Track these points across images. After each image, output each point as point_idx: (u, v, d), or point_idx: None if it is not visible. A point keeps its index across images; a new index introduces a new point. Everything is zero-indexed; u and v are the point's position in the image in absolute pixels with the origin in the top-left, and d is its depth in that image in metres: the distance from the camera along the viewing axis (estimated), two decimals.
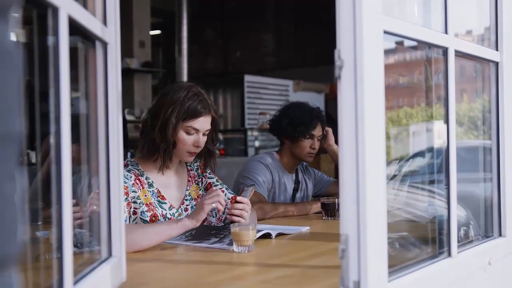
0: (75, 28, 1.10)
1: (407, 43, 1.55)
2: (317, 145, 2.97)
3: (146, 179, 2.20)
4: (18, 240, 0.55)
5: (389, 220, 1.23)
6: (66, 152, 1.00)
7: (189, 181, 2.35)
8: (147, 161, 2.23)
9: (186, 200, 2.31)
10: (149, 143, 2.18)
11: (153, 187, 2.20)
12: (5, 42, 0.52)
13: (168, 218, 2.19)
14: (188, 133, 2.18)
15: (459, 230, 1.60)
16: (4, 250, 0.53)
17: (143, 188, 2.16)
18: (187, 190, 2.32)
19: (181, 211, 2.27)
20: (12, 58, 0.52)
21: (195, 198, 2.33)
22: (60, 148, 0.99)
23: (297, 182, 3.10)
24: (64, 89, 1.00)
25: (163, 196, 2.21)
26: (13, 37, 0.54)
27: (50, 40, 1.00)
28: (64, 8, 1.00)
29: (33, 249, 1.33)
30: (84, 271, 1.19)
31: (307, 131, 2.93)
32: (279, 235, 2.14)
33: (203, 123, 2.19)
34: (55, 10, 0.98)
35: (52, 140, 1.00)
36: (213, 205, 1.97)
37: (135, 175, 2.15)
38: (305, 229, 2.31)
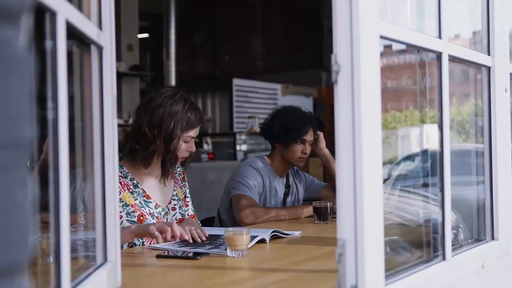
0: (71, 32, 1.09)
1: (395, 47, 1.56)
2: (308, 150, 2.97)
3: (130, 180, 2.25)
4: (29, 246, 0.55)
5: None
6: (64, 157, 0.99)
7: (176, 182, 2.42)
8: (135, 163, 2.26)
9: (174, 199, 2.38)
10: (150, 154, 2.22)
11: (139, 187, 2.25)
12: (16, 48, 0.51)
13: (156, 216, 2.26)
14: (186, 141, 2.26)
15: None
16: (17, 257, 0.53)
17: (124, 190, 2.21)
18: (174, 190, 2.40)
19: (168, 210, 2.34)
20: (23, 63, 0.52)
21: (182, 199, 2.42)
22: (58, 153, 0.98)
23: (287, 186, 3.10)
24: (61, 93, 0.99)
25: (148, 195, 2.27)
26: (24, 43, 0.53)
27: (48, 44, 0.99)
28: (62, 12, 0.99)
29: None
30: (80, 277, 1.18)
31: (299, 136, 2.93)
32: (273, 238, 2.14)
33: (198, 130, 2.31)
34: (53, 14, 0.97)
35: (48, 144, 0.99)
36: (156, 233, 1.91)
37: None
38: (297, 233, 2.31)
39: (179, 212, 2.37)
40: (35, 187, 0.61)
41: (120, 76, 7.51)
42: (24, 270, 0.55)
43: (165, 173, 2.28)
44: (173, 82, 8.94)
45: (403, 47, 1.56)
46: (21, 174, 0.53)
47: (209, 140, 7.59)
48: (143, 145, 2.20)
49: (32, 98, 0.56)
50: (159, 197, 2.30)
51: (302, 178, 3.21)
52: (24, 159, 0.54)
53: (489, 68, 1.79)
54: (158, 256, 1.85)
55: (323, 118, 7.25)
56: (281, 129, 2.94)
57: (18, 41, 0.53)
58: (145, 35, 10.57)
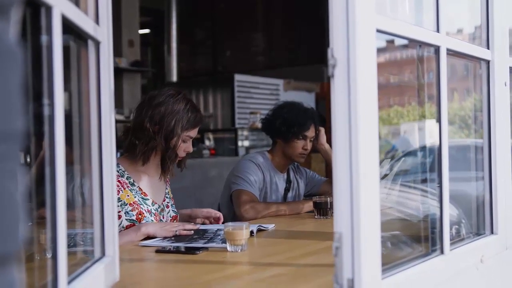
0: (67, 27, 1.09)
1: (398, 42, 1.56)
2: (309, 146, 2.96)
3: (127, 178, 2.27)
4: (20, 238, 0.56)
5: (382, 219, 1.24)
6: (60, 153, 0.99)
7: (167, 181, 2.45)
8: (131, 161, 2.29)
9: (167, 197, 2.42)
10: (149, 150, 2.24)
11: (135, 185, 2.27)
12: (6, 41, 0.52)
13: (153, 213, 2.28)
14: (184, 141, 2.28)
15: (450, 228, 1.60)
16: (6, 248, 0.53)
17: (124, 188, 2.22)
18: (166, 188, 2.43)
19: (163, 207, 2.37)
20: (14, 56, 0.52)
21: (172, 197, 2.46)
22: (54, 149, 0.98)
23: (288, 181, 3.10)
24: (58, 88, 0.99)
25: (145, 193, 2.29)
26: (14, 36, 0.54)
27: (43, 39, 0.99)
28: (58, 6, 0.99)
29: (24, 250, 1.32)
30: (78, 271, 1.18)
31: (301, 132, 2.92)
32: (258, 231, 2.19)
33: (196, 131, 2.33)
34: (49, 8, 0.97)
35: (45, 140, 1.00)
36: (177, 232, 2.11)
37: None
38: (271, 226, 2.33)
39: (172, 210, 2.41)
40: (26, 179, 0.61)
41: (121, 72, 7.51)
42: (15, 261, 0.55)
43: (165, 170, 2.30)
44: (174, 78, 8.95)
45: (405, 42, 1.56)
46: (12, 166, 0.54)
47: (210, 136, 7.59)
48: (143, 141, 2.22)
49: (22, 91, 0.57)
50: (154, 194, 2.33)
51: (303, 174, 3.21)
52: (15, 151, 0.55)
53: (488, 62, 1.79)
54: (157, 251, 1.85)
55: (325, 114, 7.26)
56: (282, 125, 2.93)
57: (8, 34, 0.53)
58: (146, 31, 10.57)
